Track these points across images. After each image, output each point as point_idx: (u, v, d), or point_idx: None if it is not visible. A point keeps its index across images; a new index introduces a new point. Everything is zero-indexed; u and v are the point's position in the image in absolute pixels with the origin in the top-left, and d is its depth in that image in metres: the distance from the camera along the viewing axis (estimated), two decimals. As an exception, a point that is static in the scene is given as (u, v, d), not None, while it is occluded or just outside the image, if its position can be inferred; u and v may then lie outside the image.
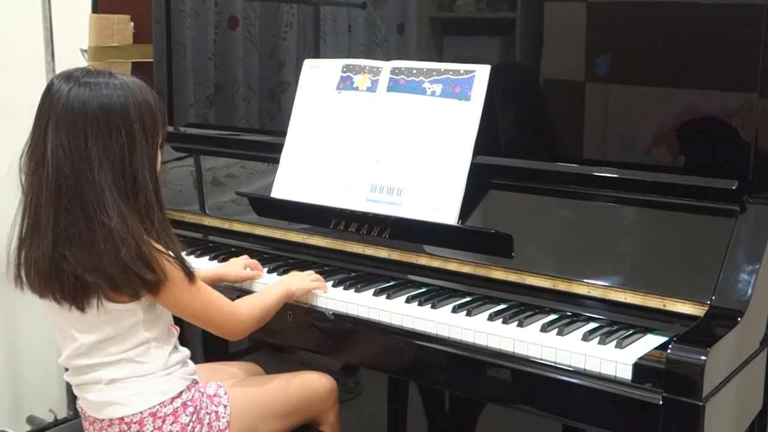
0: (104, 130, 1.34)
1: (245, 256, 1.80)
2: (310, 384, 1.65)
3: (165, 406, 1.44)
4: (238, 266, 1.75)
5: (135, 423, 1.43)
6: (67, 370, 1.49)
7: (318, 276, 1.66)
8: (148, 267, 1.34)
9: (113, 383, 1.42)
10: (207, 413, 1.48)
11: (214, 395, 1.51)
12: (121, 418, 1.43)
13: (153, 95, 1.42)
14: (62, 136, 1.34)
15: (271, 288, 1.60)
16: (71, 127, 1.34)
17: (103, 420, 1.45)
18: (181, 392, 1.46)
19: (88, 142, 1.33)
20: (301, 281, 1.62)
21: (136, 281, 1.34)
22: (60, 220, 1.34)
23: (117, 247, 1.32)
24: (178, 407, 1.45)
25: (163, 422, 1.43)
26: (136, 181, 1.36)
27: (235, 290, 1.74)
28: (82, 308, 1.37)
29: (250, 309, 1.52)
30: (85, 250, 1.33)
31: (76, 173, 1.33)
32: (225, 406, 1.51)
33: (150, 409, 1.43)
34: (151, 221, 1.38)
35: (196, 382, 1.51)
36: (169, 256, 1.38)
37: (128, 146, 1.35)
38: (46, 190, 1.35)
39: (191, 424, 1.46)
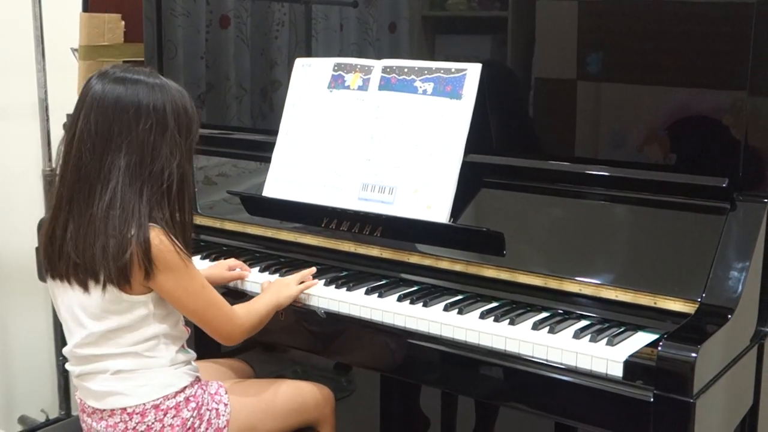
0: (133, 117, 1.38)
1: (233, 259, 1.80)
2: (309, 390, 1.66)
3: (168, 399, 1.45)
4: (224, 268, 1.75)
5: (137, 414, 1.43)
6: (67, 361, 1.49)
7: (303, 274, 1.66)
8: (142, 254, 1.35)
9: (119, 374, 1.43)
10: (208, 410, 1.49)
11: (215, 393, 1.52)
12: (124, 409, 1.44)
13: (190, 100, 1.47)
14: (92, 119, 1.38)
15: (260, 298, 1.60)
16: (102, 111, 1.38)
17: (104, 410, 1.45)
18: (185, 387, 1.47)
19: (113, 126, 1.38)
20: (288, 289, 1.62)
21: (112, 267, 1.35)
22: (74, 197, 1.39)
23: (102, 231, 1.35)
24: (180, 401, 1.46)
25: (165, 415, 1.44)
26: (158, 171, 1.38)
27: (225, 290, 1.74)
28: (85, 287, 1.39)
29: (247, 315, 1.53)
30: (81, 229, 1.37)
31: (95, 154, 1.38)
32: (225, 405, 1.52)
33: (153, 401, 1.44)
34: (169, 212, 1.40)
35: (200, 380, 1.52)
36: (176, 246, 1.39)
37: (157, 135, 1.39)
38: (72, 169, 1.39)
39: (192, 419, 1.46)
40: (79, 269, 1.38)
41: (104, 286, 1.38)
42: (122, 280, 1.37)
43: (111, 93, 1.39)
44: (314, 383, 1.69)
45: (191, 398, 1.47)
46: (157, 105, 1.40)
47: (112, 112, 1.38)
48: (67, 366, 1.50)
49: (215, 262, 1.81)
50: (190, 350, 1.53)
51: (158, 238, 1.37)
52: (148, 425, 1.43)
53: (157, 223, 1.39)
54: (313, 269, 1.69)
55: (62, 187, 1.41)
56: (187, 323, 1.53)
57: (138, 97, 1.39)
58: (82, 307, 1.41)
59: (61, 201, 1.40)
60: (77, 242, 1.37)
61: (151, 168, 1.39)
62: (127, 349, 1.42)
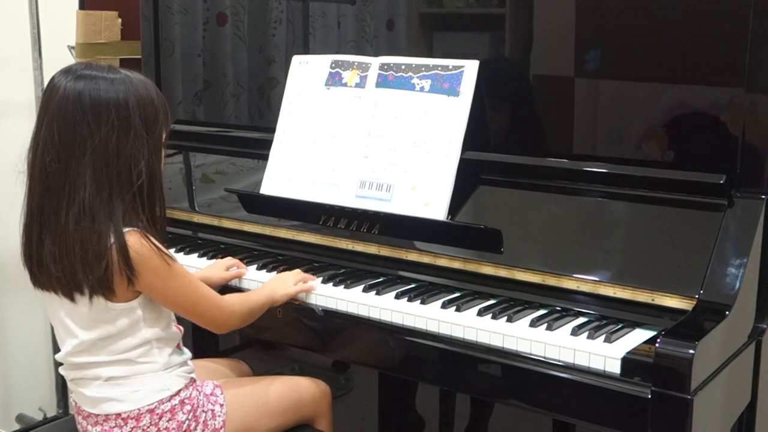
0: (93, 120, 1.34)
1: (229, 258, 1.79)
2: (305, 386, 1.65)
3: (163, 403, 1.44)
4: (221, 268, 1.74)
5: (132, 418, 1.43)
6: (61, 364, 1.49)
7: (304, 276, 1.66)
8: (122, 261, 1.34)
9: (112, 380, 1.42)
10: (203, 411, 1.48)
11: (211, 394, 1.51)
12: (118, 414, 1.43)
13: (156, 90, 1.42)
14: (54, 127, 1.35)
15: (257, 292, 1.60)
16: (63, 118, 1.34)
17: (98, 415, 1.44)
18: (180, 390, 1.46)
19: (75, 132, 1.34)
20: (286, 287, 1.61)
21: (92, 278, 1.34)
22: (44, 210, 1.36)
23: (77, 245, 1.33)
24: (176, 404, 1.45)
25: (160, 419, 1.43)
26: (125, 173, 1.35)
27: (224, 289, 1.74)
28: (72, 299, 1.37)
29: (239, 305, 1.54)
30: (57, 242, 1.35)
31: (60, 163, 1.34)
32: (221, 405, 1.51)
33: (148, 405, 1.43)
34: (143, 212, 1.38)
35: (194, 381, 1.51)
36: (157, 247, 1.37)
37: (121, 136, 1.35)
38: (37, 181, 1.37)
39: (187, 422, 1.46)
40: (62, 282, 1.36)
41: (90, 297, 1.36)
42: (106, 291, 1.36)
43: (72, 95, 1.34)
44: (311, 378, 1.68)
45: (186, 401, 1.46)
46: (119, 101, 1.35)
47: (72, 118, 1.34)
48: (61, 370, 1.49)
49: (212, 262, 1.80)
50: (185, 350, 1.52)
51: (138, 243, 1.35)
52: (143, 429, 1.43)
53: (134, 225, 1.36)
54: (315, 278, 1.67)
55: (31, 200, 1.38)
56: (180, 322, 1.52)
57: (99, 96, 1.34)
58: (71, 317, 1.40)
59: (32, 213, 1.38)
60: (55, 256, 1.35)
61: (118, 170, 1.35)
62: (120, 357, 1.41)
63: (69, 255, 1.34)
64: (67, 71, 1.38)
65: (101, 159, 1.34)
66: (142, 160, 1.37)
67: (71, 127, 1.34)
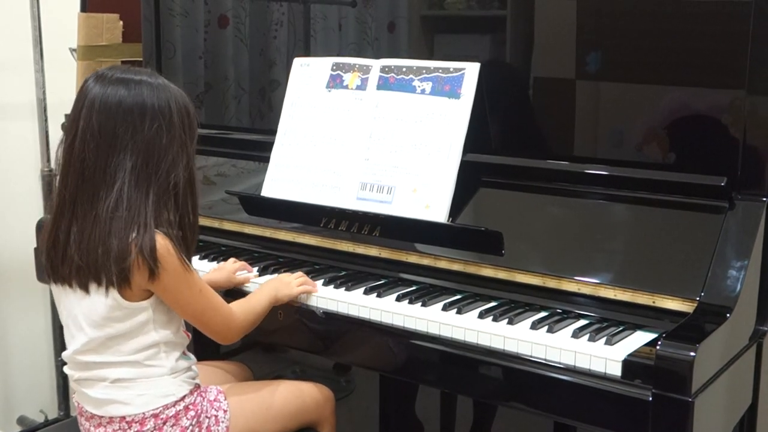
0: (139, 118, 1.37)
1: (233, 259, 1.79)
2: (308, 391, 1.65)
3: (168, 409, 1.44)
4: (229, 272, 1.74)
5: (136, 422, 1.43)
6: (65, 363, 1.49)
7: (306, 278, 1.66)
8: (148, 258, 1.34)
9: (118, 382, 1.42)
10: (207, 417, 1.49)
11: (215, 400, 1.52)
12: (122, 417, 1.43)
13: (190, 102, 1.46)
14: (94, 120, 1.36)
15: (258, 294, 1.60)
16: (105, 113, 1.36)
17: (102, 417, 1.44)
18: (184, 396, 1.46)
19: (117, 126, 1.36)
20: (288, 288, 1.61)
21: (114, 269, 1.34)
22: (77, 201, 1.37)
23: (106, 233, 1.34)
24: (180, 410, 1.45)
25: (164, 424, 1.43)
26: (164, 174, 1.37)
27: (225, 291, 1.74)
28: (86, 290, 1.38)
29: (244, 315, 1.53)
30: (87, 231, 1.35)
31: (99, 155, 1.36)
32: (225, 411, 1.51)
33: (153, 410, 1.43)
34: (176, 215, 1.40)
35: (199, 387, 1.52)
36: (179, 252, 1.38)
37: (164, 137, 1.38)
38: (72, 173, 1.38)
39: (191, 427, 1.46)
40: (82, 272, 1.37)
41: (106, 290, 1.37)
42: (122, 282, 1.36)
43: (113, 94, 1.37)
44: (314, 383, 1.68)
45: (190, 406, 1.47)
46: (162, 105, 1.39)
47: (115, 113, 1.36)
48: (66, 369, 1.49)
49: (219, 265, 1.80)
50: (191, 355, 1.52)
51: (162, 241, 1.37)
52: None
53: (163, 226, 1.38)
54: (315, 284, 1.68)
55: (64, 189, 1.39)
56: (187, 327, 1.52)
57: (143, 98, 1.38)
58: (84, 314, 1.40)
59: (64, 204, 1.39)
60: (81, 245, 1.36)
61: (158, 170, 1.37)
62: (127, 358, 1.41)
63: (95, 244, 1.35)
64: (101, 76, 1.40)
65: (143, 156, 1.37)
66: (181, 164, 1.39)
67: (114, 120, 1.36)
